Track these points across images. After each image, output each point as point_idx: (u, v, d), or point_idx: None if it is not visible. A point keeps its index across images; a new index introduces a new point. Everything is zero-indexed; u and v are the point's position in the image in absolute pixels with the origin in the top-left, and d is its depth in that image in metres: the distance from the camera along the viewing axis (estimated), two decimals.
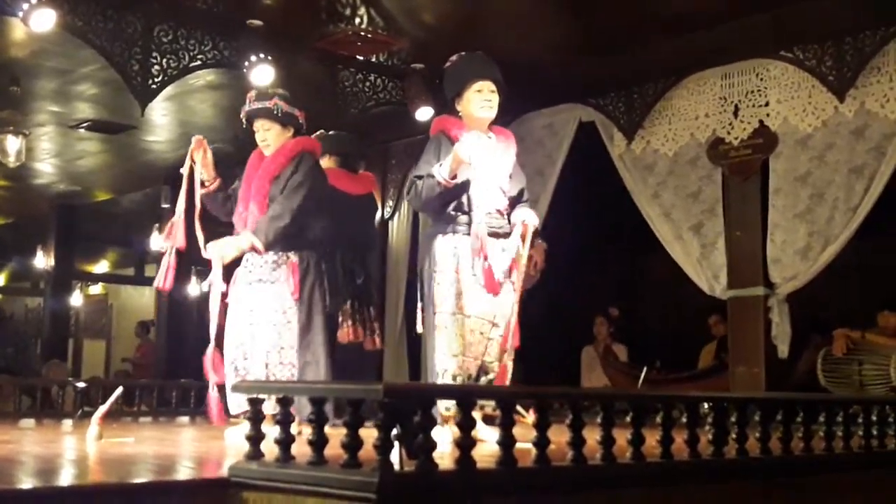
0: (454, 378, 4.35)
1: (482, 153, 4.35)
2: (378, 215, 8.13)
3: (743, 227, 6.77)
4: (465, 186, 4.37)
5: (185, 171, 4.71)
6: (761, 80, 6.74)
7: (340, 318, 5.82)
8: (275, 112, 4.77)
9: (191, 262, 4.76)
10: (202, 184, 4.71)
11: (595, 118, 7.59)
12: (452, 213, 4.44)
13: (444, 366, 4.38)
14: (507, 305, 4.47)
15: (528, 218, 4.50)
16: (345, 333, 5.87)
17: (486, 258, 4.29)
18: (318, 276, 4.74)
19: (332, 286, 4.90)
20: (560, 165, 7.76)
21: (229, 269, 4.72)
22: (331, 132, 6.17)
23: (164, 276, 4.61)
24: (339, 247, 5.74)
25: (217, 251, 4.54)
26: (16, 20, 5.75)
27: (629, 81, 7.28)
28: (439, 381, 4.35)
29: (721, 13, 6.20)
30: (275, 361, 4.62)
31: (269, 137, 4.78)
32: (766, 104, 6.69)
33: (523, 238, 4.47)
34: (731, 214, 6.85)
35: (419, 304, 4.57)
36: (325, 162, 5.96)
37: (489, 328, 4.45)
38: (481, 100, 4.52)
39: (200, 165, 4.68)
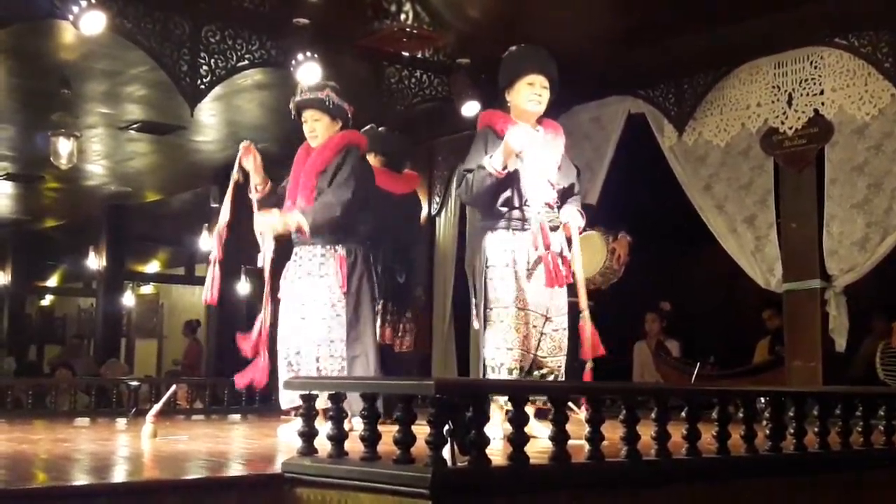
0: (510, 372, 4.33)
1: (530, 145, 4.32)
2: (424, 212, 8.12)
3: (798, 218, 6.63)
4: (514, 177, 4.34)
5: (233, 177, 4.68)
6: (815, 68, 6.58)
7: None
8: (326, 103, 4.79)
9: (240, 261, 4.75)
10: (255, 188, 4.70)
11: (644, 110, 7.48)
12: (502, 208, 4.41)
13: (500, 360, 4.36)
14: (560, 300, 4.46)
15: (572, 219, 4.47)
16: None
17: (547, 248, 4.26)
18: (366, 269, 4.77)
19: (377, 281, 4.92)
20: (609, 159, 7.66)
21: (280, 264, 4.75)
22: (380, 128, 6.16)
23: (210, 290, 4.65)
24: (382, 245, 5.72)
25: (266, 224, 4.57)
26: (66, 23, 5.82)
27: (679, 72, 7.16)
28: (494, 376, 4.33)
29: (773, 0, 6.07)
30: (325, 355, 4.63)
31: (318, 128, 4.79)
32: (821, 93, 6.54)
33: (568, 240, 4.45)
34: (786, 206, 6.71)
35: (472, 301, 4.56)
36: (371, 160, 5.94)
37: (542, 322, 4.42)
38: (531, 93, 4.47)
39: (252, 171, 4.66)
